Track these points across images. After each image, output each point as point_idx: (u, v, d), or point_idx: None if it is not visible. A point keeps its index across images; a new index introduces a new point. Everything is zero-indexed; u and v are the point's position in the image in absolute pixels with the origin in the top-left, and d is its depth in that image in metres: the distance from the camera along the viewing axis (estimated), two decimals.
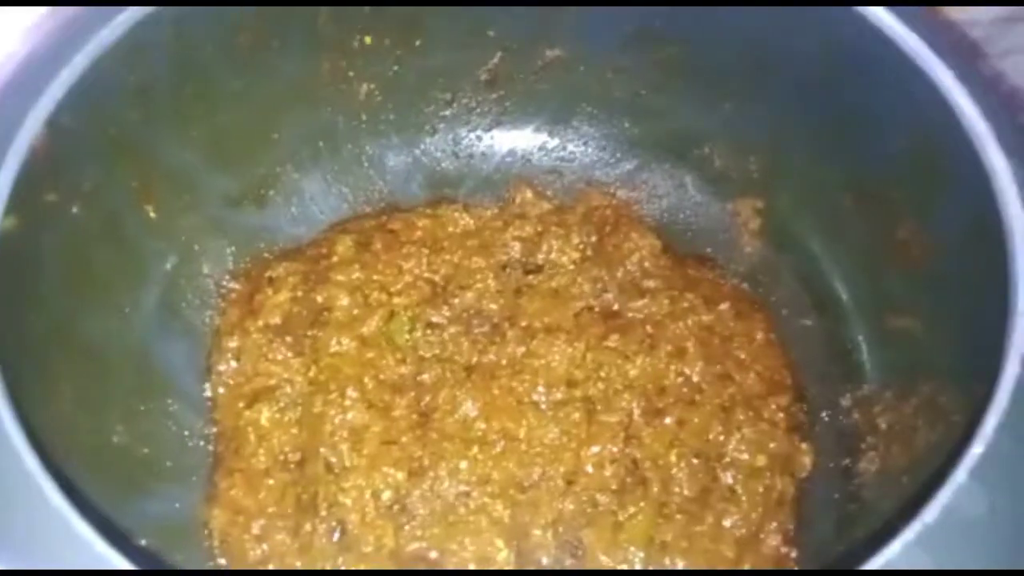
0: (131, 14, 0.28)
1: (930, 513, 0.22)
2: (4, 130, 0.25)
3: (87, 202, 0.33)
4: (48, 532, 0.21)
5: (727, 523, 0.35)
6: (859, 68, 0.35)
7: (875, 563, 0.21)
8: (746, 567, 0.35)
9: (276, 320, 0.41)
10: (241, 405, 0.39)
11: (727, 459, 0.37)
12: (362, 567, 0.35)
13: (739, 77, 0.42)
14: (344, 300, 0.41)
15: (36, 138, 0.25)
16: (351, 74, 0.43)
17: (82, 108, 0.28)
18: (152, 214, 0.38)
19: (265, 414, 0.38)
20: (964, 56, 0.34)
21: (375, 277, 0.42)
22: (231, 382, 0.40)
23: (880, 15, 0.34)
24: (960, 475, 0.22)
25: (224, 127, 0.40)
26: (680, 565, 0.35)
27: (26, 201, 0.26)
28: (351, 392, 0.38)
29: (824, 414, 0.40)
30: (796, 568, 0.36)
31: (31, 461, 0.21)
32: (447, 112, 0.48)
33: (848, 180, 0.40)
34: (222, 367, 0.40)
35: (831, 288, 0.42)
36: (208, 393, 0.40)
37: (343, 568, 0.35)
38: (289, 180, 0.45)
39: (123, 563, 0.20)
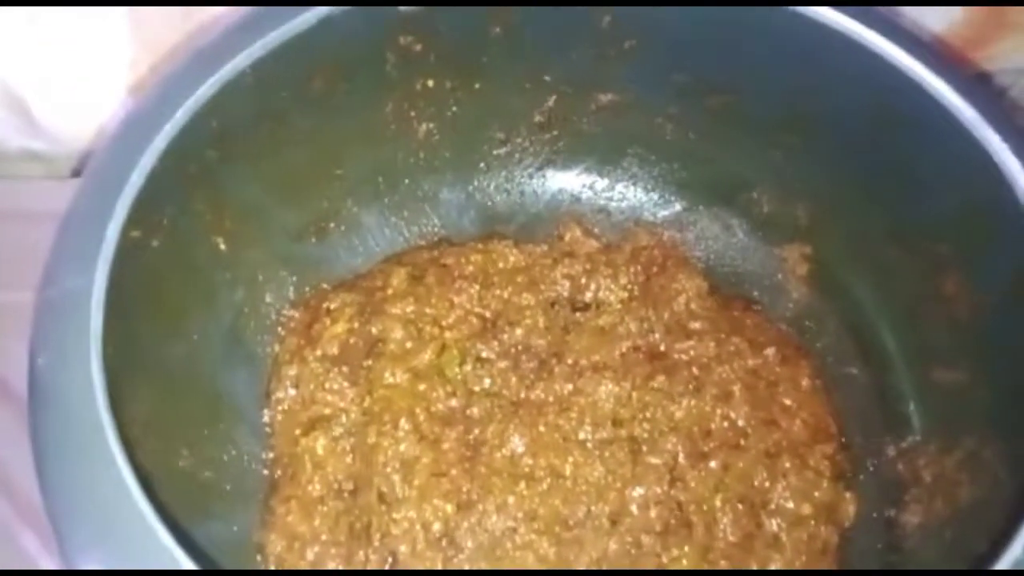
0: (224, 72, 0.30)
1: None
2: (114, 179, 0.27)
3: (165, 236, 0.35)
4: (137, 540, 0.22)
5: (771, 568, 0.36)
6: (909, 128, 0.36)
7: None
8: None
9: (333, 350, 0.42)
10: (298, 432, 0.40)
11: (772, 506, 0.37)
12: None
13: (788, 128, 0.43)
14: (398, 333, 0.42)
15: (139, 191, 0.27)
16: (412, 114, 0.45)
17: (172, 154, 0.30)
18: (222, 246, 0.40)
19: (321, 442, 0.40)
20: (1009, 113, 0.35)
21: (427, 310, 0.43)
22: (289, 409, 0.41)
23: (925, 75, 0.35)
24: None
25: (292, 164, 0.42)
26: None
27: (120, 241, 0.28)
28: (403, 424, 0.39)
29: (869, 463, 0.41)
30: None
31: (130, 478, 0.23)
32: (501, 151, 0.49)
33: (895, 232, 0.41)
34: (280, 394, 0.42)
35: (877, 337, 0.42)
36: (266, 419, 0.42)
37: None
38: (349, 214, 0.46)
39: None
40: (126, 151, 0.29)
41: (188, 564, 0.22)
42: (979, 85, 0.37)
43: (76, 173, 0.57)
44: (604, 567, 0.36)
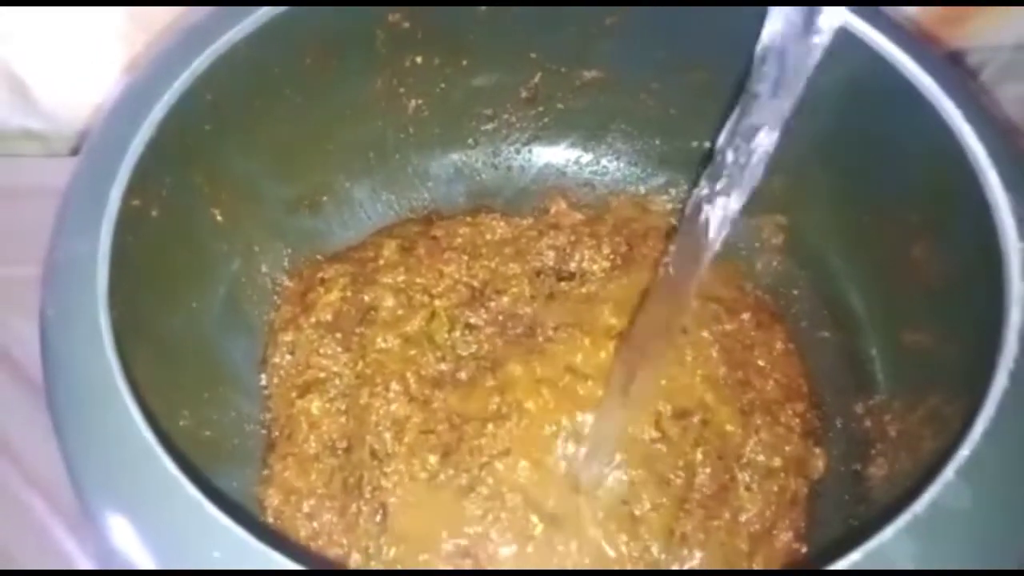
0: (217, 46, 0.32)
1: (920, 505, 0.24)
2: (114, 150, 0.29)
3: (164, 206, 0.36)
4: (155, 483, 0.24)
5: (743, 518, 0.38)
6: (876, 102, 0.38)
7: (867, 548, 0.23)
8: (759, 560, 0.38)
9: (327, 317, 0.44)
10: (294, 395, 0.42)
11: (744, 459, 0.39)
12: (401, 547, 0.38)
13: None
14: (389, 301, 0.44)
15: (138, 158, 0.29)
16: (402, 91, 0.47)
17: (171, 125, 0.32)
18: (219, 218, 0.41)
19: (316, 404, 0.41)
20: (974, 93, 0.36)
21: (418, 280, 0.45)
22: (285, 374, 0.43)
23: (896, 55, 0.36)
24: (948, 473, 0.25)
25: (285, 139, 0.43)
26: (697, 556, 0.37)
27: (121, 210, 0.30)
28: (394, 385, 0.41)
29: (837, 421, 0.43)
30: (807, 564, 0.39)
31: (143, 425, 0.24)
32: (489, 127, 0.51)
33: (868, 201, 0.42)
34: (277, 360, 0.43)
35: (848, 302, 0.44)
36: (264, 383, 0.44)
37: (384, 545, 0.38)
38: (341, 188, 0.48)
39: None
40: (127, 121, 0.30)
41: (212, 510, 0.24)
42: (945, 62, 0.38)
43: (74, 152, 0.59)
44: (580, 500, 0.38)
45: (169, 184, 0.36)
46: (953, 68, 0.39)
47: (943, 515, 0.24)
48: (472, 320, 0.44)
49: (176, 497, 0.23)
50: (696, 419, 0.40)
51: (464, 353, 0.43)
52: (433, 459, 0.39)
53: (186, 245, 0.40)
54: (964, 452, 0.25)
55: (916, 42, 0.38)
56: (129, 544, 0.24)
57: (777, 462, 0.39)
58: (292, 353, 0.43)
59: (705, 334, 0.43)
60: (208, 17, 0.34)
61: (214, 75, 0.33)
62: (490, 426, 0.39)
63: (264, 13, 0.34)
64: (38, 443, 0.46)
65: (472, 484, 0.38)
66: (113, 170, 0.29)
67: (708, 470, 0.39)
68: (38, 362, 0.48)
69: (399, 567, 0.37)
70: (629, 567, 0.37)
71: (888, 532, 0.24)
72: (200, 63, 0.31)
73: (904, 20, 0.48)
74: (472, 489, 0.38)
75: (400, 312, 0.44)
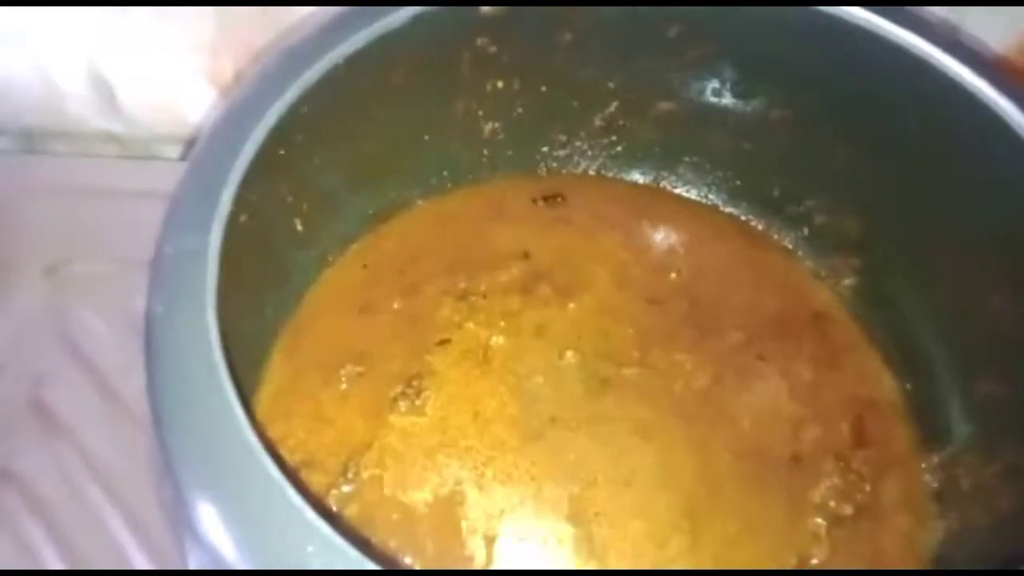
0: (322, 65, 0.33)
1: None
2: (226, 153, 0.30)
3: (253, 212, 0.37)
4: (253, 480, 0.24)
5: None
6: (963, 139, 0.37)
7: None
8: None
9: None
10: None
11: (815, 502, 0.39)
12: None
13: (842, 140, 0.44)
14: None
15: (248, 163, 0.30)
16: (480, 113, 0.47)
17: (271, 136, 0.33)
18: (300, 227, 0.42)
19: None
20: None
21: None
22: None
23: (981, 87, 0.36)
24: None
25: (366, 153, 0.44)
26: None
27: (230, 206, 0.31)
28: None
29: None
30: None
31: (246, 423, 0.25)
32: (560, 153, 0.51)
33: (947, 246, 0.42)
34: None
35: (922, 349, 0.43)
36: None
37: None
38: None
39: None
40: (235, 131, 0.31)
41: (309, 513, 0.24)
42: None
43: (151, 155, 0.60)
44: None
45: (259, 190, 0.37)
46: None
47: None
48: None
49: (274, 496, 0.24)
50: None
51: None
52: None
53: (267, 252, 0.40)
54: None
55: (1002, 73, 0.37)
56: (218, 533, 0.24)
57: (848, 510, 0.39)
58: None
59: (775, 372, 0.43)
60: (312, 35, 0.35)
61: (314, 91, 0.34)
62: None
63: (366, 34, 0.35)
64: (103, 436, 0.47)
65: None
66: (225, 173, 0.30)
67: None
68: (105, 355, 0.49)
69: None
70: None
71: None
72: (305, 79, 0.32)
73: (988, 50, 0.48)
74: None
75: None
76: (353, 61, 0.35)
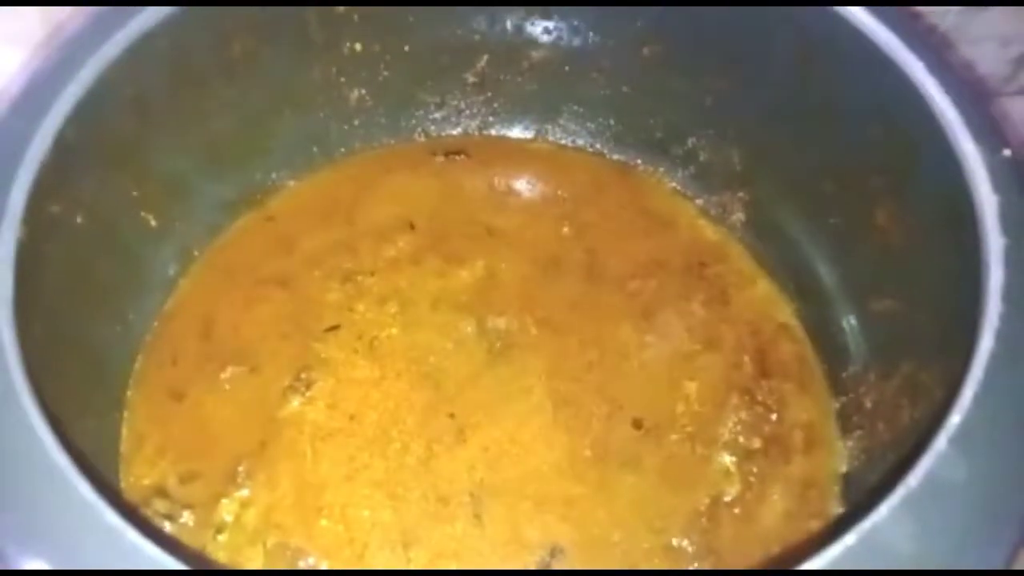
0: (131, 29, 0.29)
1: (914, 478, 0.23)
2: (14, 146, 0.26)
3: (89, 212, 0.34)
4: (83, 530, 0.22)
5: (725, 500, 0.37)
6: (833, 62, 0.37)
7: (861, 528, 0.22)
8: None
9: None
10: None
11: (725, 439, 0.38)
12: None
13: (718, 74, 0.43)
14: None
15: (45, 153, 0.26)
16: (342, 80, 0.44)
17: (85, 121, 0.29)
18: (152, 222, 0.39)
19: None
20: (934, 46, 0.35)
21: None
22: None
23: (852, 11, 0.35)
24: (940, 443, 0.24)
25: (219, 134, 0.41)
26: None
27: (33, 213, 0.27)
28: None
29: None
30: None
31: (63, 460, 0.22)
32: (437, 115, 0.49)
33: (828, 168, 0.41)
34: None
35: (815, 274, 0.43)
36: None
37: None
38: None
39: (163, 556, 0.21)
40: (30, 113, 0.27)
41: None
42: (904, 15, 0.37)
43: None
44: None
45: (92, 187, 0.34)
46: (913, 21, 0.37)
47: (939, 488, 0.23)
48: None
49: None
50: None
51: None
52: None
53: (116, 253, 0.37)
54: (955, 419, 0.24)
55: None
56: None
57: (757, 443, 0.38)
58: None
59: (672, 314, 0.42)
60: (115, 9, 0.31)
61: (132, 65, 0.31)
62: None
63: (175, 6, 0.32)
64: None
65: None
66: (12, 171, 0.26)
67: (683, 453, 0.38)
68: None
69: None
70: None
71: (883, 510, 0.22)
72: (112, 49, 0.29)
73: None
74: None
75: None
76: (173, 32, 0.32)
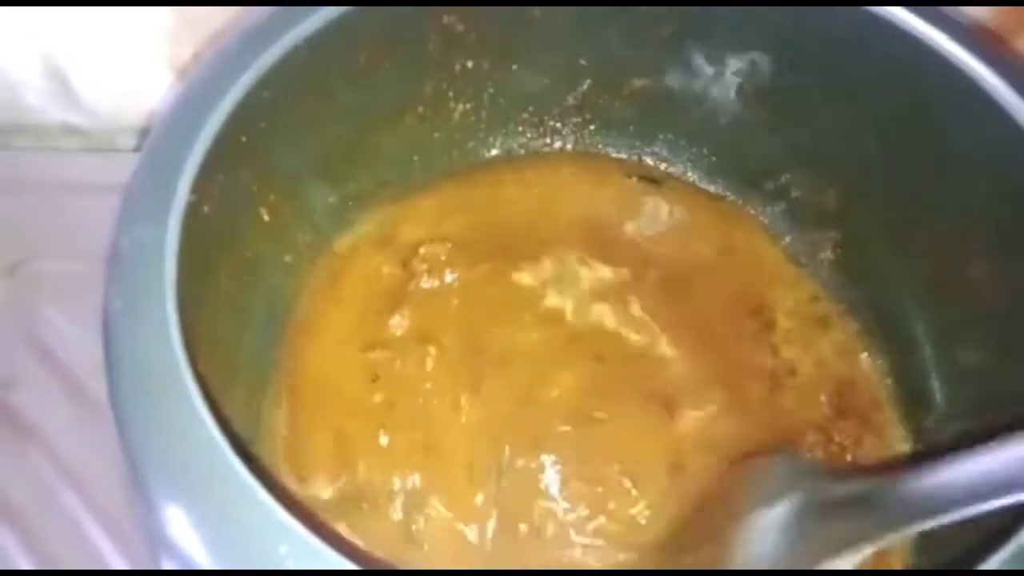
0: (281, 45, 0.31)
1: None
2: (182, 140, 0.28)
3: (216, 202, 0.36)
4: (222, 483, 0.23)
5: None
6: (942, 108, 0.37)
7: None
8: None
9: None
10: None
11: None
12: None
13: (819, 111, 0.44)
14: None
15: (205, 150, 0.28)
16: (450, 94, 0.46)
17: (230, 122, 0.31)
18: (266, 217, 0.41)
19: None
20: None
21: None
22: None
23: (961, 55, 0.35)
24: None
25: (334, 139, 0.43)
26: None
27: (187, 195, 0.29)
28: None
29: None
30: None
31: (209, 419, 0.24)
32: (533, 132, 0.50)
33: (927, 214, 0.41)
34: None
35: (901, 319, 0.43)
36: None
37: None
38: (384, 192, 0.47)
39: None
40: (193, 115, 0.30)
41: (281, 513, 0.23)
42: (1018, 64, 0.37)
43: (113, 147, 0.59)
44: None
45: (222, 181, 0.36)
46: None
47: None
48: None
49: (243, 496, 0.23)
50: None
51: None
52: None
53: (232, 244, 0.39)
54: None
55: (983, 42, 0.36)
56: (188, 537, 0.23)
57: None
58: None
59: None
60: (269, 17, 0.33)
61: (275, 74, 0.33)
62: None
63: (325, 13, 0.34)
64: (74, 439, 0.46)
65: None
66: (181, 162, 0.28)
67: None
68: (73, 355, 0.48)
69: None
70: None
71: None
72: (264, 61, 0.31)
73: (965, 18, 0.47)
74: None
75: None
76: (315, 42, 0.34)
